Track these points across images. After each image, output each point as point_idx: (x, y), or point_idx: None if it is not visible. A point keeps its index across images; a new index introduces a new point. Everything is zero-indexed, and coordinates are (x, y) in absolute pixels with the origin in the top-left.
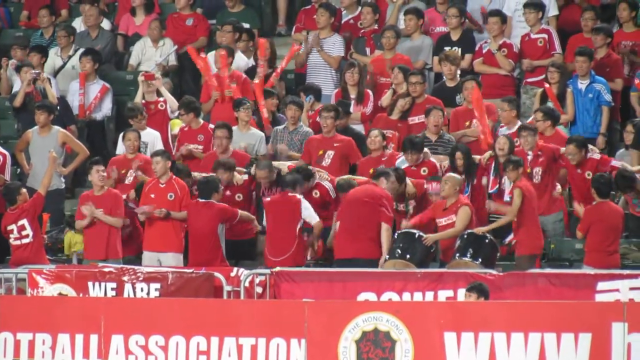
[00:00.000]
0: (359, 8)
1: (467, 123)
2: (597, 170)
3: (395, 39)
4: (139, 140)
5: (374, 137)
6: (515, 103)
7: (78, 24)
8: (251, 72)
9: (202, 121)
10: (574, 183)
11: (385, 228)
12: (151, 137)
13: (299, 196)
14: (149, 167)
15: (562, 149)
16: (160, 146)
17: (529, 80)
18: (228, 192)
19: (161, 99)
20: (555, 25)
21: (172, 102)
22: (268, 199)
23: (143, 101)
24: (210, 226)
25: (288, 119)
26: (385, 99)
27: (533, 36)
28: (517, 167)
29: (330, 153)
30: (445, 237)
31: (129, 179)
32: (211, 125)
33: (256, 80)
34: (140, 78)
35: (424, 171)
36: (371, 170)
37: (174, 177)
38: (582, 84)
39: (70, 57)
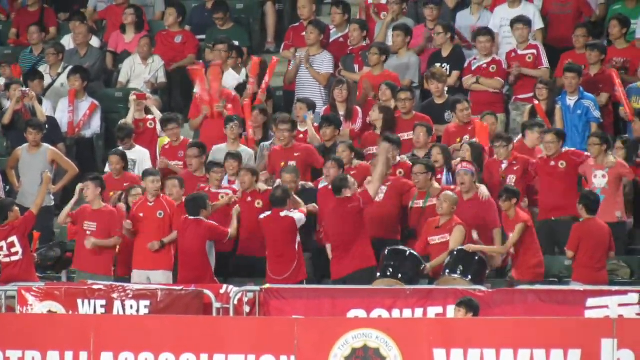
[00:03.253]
0: (349, 26)
1: (459, 140)
2: (571, 159)
3: (380, 56)
4: (122, 163)
5: (341, 151)
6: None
7: (67, 42)
8: (241, 88)
9: (182, 137)
10: (544, 177)
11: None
12: (140, 155)
13: (292, 215)
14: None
15: (533, 161)
16: (148, 164)
17: (519, 96)
18: (249, 199)
19: (150, 117)
20: (541, 39)
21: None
22: (262, 216)
23: (133, 119)
24: (198, 243)
25: (275, 135)
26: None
27: (521, 52)
28: (511, 198)
29: (292, 164)
30: (442, 261)
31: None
32: None
33: (245, 99)
34: (132, 97)
35: (400, 172)
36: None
37: (162, 195)
38: (571, 101)
39: (59, 74)
